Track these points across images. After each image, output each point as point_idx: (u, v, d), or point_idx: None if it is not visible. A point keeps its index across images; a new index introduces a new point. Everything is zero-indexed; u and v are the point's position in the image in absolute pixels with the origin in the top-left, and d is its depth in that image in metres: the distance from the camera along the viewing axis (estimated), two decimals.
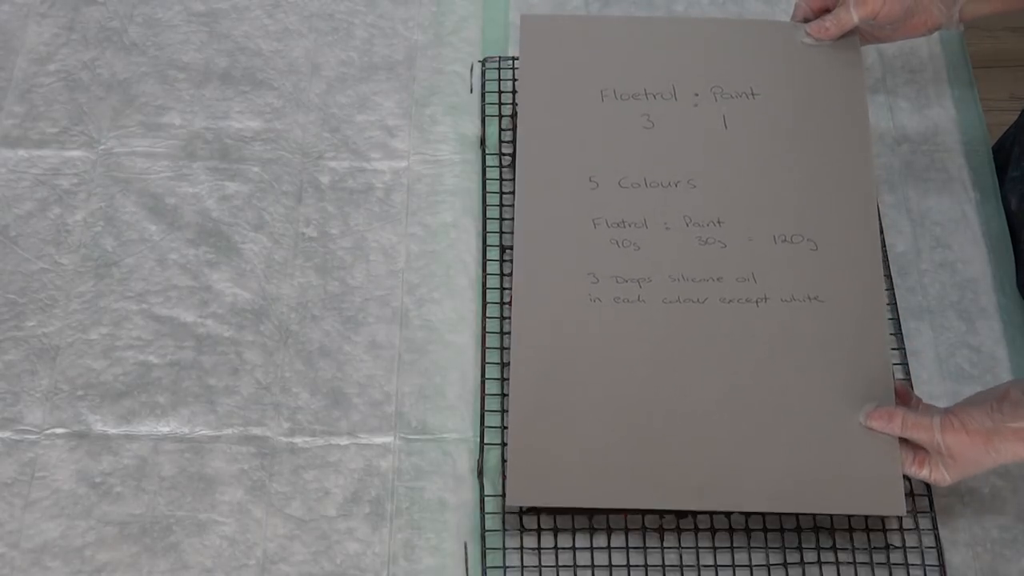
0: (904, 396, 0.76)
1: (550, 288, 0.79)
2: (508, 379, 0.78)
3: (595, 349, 0.77)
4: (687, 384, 0.76)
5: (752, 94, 0.85)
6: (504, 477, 0.76)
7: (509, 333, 0.81)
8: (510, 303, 0.82)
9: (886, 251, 0.86)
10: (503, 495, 0.76)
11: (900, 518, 0.76)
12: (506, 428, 0.78)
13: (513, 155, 0.89)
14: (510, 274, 0.84)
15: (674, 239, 0.81)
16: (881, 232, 0.84)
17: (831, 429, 0.75)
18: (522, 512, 0.76)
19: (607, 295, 0.79)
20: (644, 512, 0.76)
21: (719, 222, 0.81)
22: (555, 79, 0.86)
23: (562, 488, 0.74)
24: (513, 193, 0.87)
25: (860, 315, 0.78)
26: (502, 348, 0.82)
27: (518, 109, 0.87)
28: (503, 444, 0.78)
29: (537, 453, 0.75)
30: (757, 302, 0.78)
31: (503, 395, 0.80)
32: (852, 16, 0.84)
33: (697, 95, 0.85)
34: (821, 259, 0.80)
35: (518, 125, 0.86)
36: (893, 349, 0.81)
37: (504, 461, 0.77)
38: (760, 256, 0.80)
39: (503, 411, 0.79)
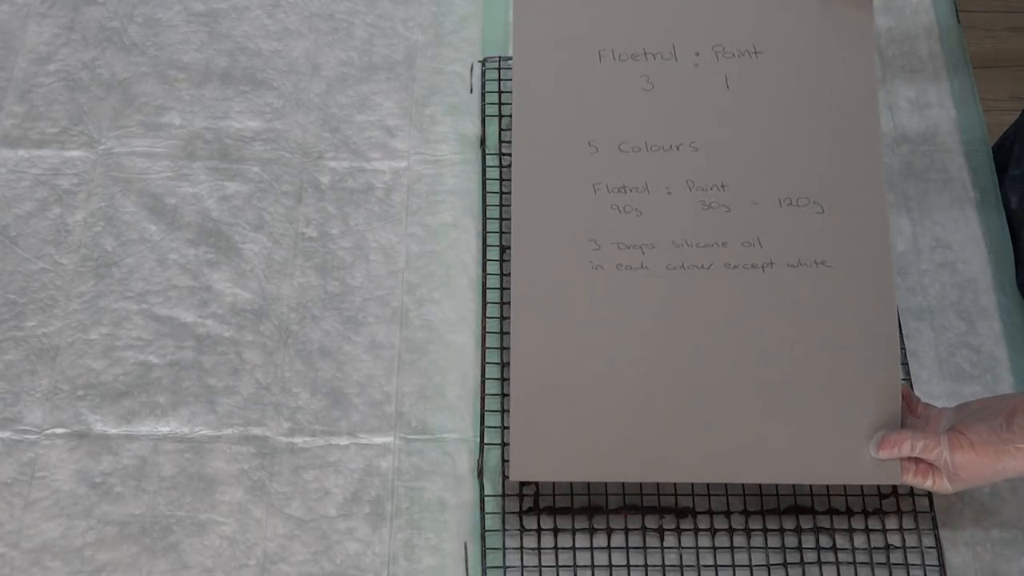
0: (905, 396, 0.76)
1: (550, 255, 0.78)
2: (508, 378, 0.77)
3: (597, 317, 0.76)
4: (691, 352, 0.76)
5: (755, 52, 0.82)
6: (505, 477, 0.76)
7: (509, 333, 0.81)
8: (510, 303, 0.82)
9: None
10: (503, 495, 0.76)
11: (900, 518, 0.76)
12: (506, 428, 0.78)
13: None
14: (510, 274, 0.84)
15: (677, 204, 0.79)
16: None
17: (834, 399, 0.74)
18: (522, 512, 0.76)
19: (609, 262, 0.77)
20: (644, 512, 0.76)
21: (723, 186, 0.79)
22: (550, 40, 0.83)
23: (564, 464, 0.74)
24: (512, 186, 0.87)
25: (867, 279, 0.77)
26: (502, 348, 0.82)
27: (513, 68, 0.84)
28: (503, 444, 0.78)
29: (539, 427, 0.74)
30: (763, 267, 0.77)
31: (503, 395, 0.80)
32: None
33: (698, 55, 0.82)
34: (827, 222, 0.78)
35: (513, 88, 0.83)
36: None
37: (505, 461, 0.77)
38: (765, 220, 0.78)
39: (503, 411, 0.79)
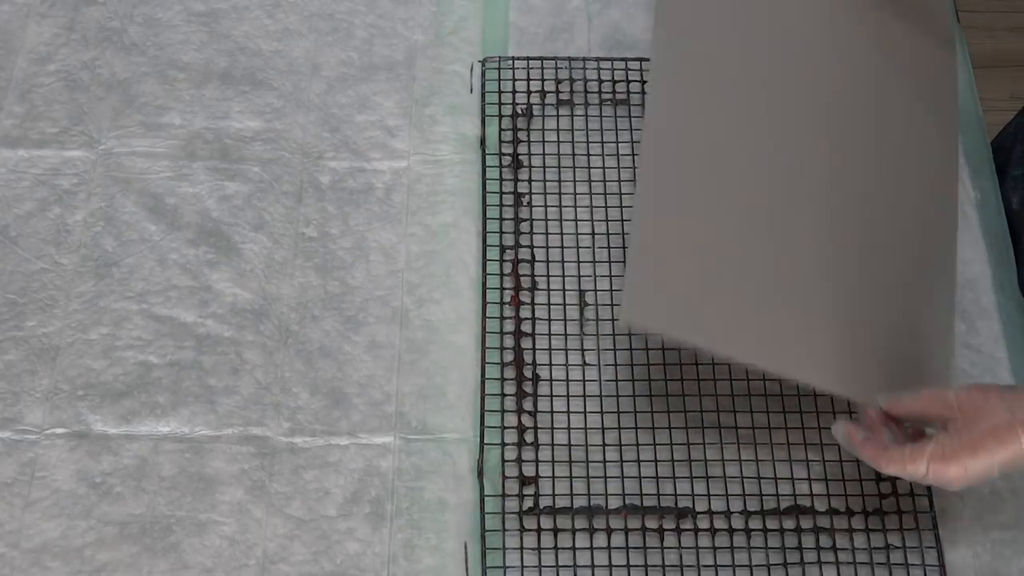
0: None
1: (690, 101, 0.77)
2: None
3: (724, 188, 0.75)
4: (785, 241, 0.75)
5: None
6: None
7: (509, 333, 0.82)
8: (510, 303, 0.82)
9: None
10: (503, 495, 0.76)
11: (900, 518, 0.76)
12: (506, 428, 0.78)
13: (513, 155, 0.89)
14: (510, 274, 0.84)
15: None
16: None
17: (895, 313, 0.73)
18: (522, 512, 0.76)
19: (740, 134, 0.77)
20: (644, 512, 0.76)
21: None
22: None
23: (674, 317, 0.71)
24: (514, 193, 0.88)
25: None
26: (502, 348, 0.82)
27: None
28: (503, 444, 0.78)
29: (656, 275, 0.72)
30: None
31: (503, 395, 0.80)
32: None
33: None
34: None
35: None
36: None
37: (505, 462, 0.77)
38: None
39: (503, 411, 0.79)
